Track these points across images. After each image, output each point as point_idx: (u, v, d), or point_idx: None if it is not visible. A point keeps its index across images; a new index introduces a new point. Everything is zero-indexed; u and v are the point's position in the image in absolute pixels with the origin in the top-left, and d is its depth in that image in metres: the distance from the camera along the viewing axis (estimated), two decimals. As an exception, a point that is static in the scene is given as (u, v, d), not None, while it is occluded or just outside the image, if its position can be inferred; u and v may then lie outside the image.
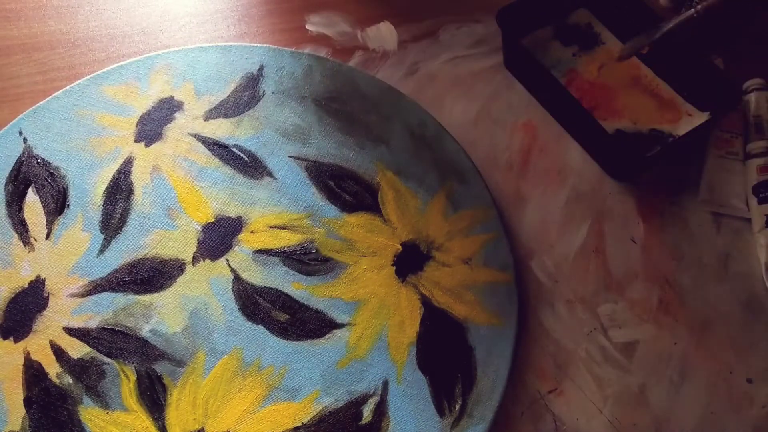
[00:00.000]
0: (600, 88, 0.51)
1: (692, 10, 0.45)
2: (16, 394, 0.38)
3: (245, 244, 0.43)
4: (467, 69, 0.53)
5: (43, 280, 0.41)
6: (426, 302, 0.42)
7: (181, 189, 0.45)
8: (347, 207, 0.45)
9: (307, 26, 0.55)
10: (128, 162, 0.46)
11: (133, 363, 0.39)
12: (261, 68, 0.50)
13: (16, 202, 0.44)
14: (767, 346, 0.42)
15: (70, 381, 0.38)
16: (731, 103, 0.47)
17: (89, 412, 0.37)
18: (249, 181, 0.46)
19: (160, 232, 0.43)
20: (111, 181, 0.45)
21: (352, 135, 0.48)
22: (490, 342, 0.41)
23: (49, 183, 0.44)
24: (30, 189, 0.44)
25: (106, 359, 0.39)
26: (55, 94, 0.48)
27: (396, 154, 0.47)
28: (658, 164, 0.48)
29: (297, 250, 0.43)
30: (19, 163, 0.45)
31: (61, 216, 0.43)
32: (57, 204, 0.44)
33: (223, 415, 0.38)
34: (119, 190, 0.45)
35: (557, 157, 0.49)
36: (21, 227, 0.43)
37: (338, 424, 0.38)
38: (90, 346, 0.39)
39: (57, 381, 0.38)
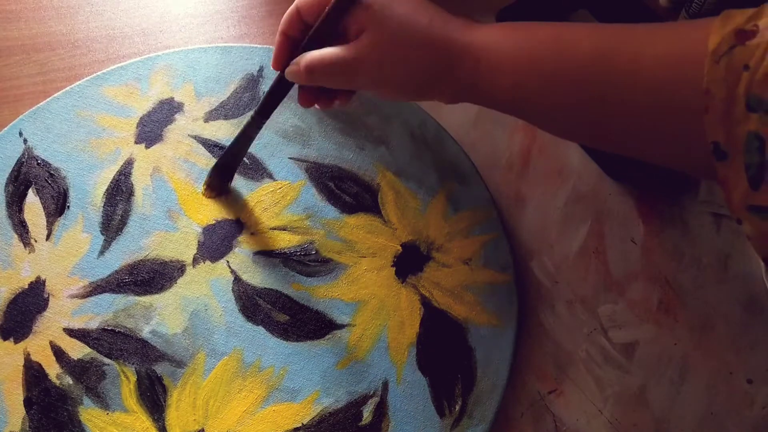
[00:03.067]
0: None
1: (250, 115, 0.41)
2: (16, 394, 0.38)
3: (245, 245, 0.43)
4: (467, 70, 0.52)
5: (44, 281, 0.41)
6: (426, 303, 0.42)
7: (182, 191, 0.45)
8: (347, 208, 0.45)
9: (307, 27, 0.55)
10: (128, 163, 0.46)
11: (133, 364, 0.39)
12: (261, 69, 0.50)
13: (16, 203, 0.44)
14: (767, 346, 0.42)
15: (70, 382, 0.38)
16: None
17: (89, 413, 0.38)
18: (249, 183, 0.46)
19: (161, 234, 0.43)
20: (111, 182, 0.45)
21: (352, 136, 0.48)
22: (490, 343, 0.41)
23: (50, 184, 0.44)
24: (30, 190, 0.44)
25: (107, 360, 0.39)
26: (55, 95, 0.48)
27: (396, 155, 0.47)
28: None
29: (297, 252, 0.43)
30: (19, 164, 0.45)
31: (62, 217, 0.43)
32: (57, 205, 0.44)
33: (224, 416, 0.38)
34: (119, 191, 0.45)
35: (557, 157, 0.49)
36: (21, 228, 0.43)
37: (338, 424, 0.38)
38: (90, 347, 0.39)
39: (57, 382, 0.38)
